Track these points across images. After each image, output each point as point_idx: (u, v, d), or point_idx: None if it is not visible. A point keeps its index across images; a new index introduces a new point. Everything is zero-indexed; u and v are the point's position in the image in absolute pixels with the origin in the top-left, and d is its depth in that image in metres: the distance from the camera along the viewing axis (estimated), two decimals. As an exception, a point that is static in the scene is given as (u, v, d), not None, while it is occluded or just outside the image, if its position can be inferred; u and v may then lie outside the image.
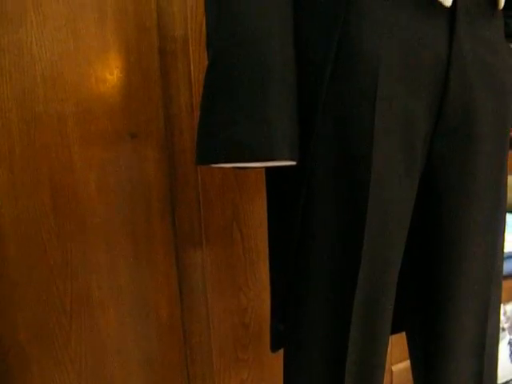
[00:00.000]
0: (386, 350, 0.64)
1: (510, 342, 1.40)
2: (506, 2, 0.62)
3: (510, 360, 1.40)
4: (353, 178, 0.54)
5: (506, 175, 0.66)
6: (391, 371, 1.31)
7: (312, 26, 0.56)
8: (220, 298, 1.04)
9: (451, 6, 0.56)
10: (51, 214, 0.87)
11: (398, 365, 1.31)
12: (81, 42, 0.84)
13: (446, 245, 0.61)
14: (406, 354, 0.81)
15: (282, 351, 0.73)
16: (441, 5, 0.55)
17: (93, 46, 0.85)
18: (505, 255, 1.00)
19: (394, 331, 0.74)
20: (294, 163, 0.54)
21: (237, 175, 1.00)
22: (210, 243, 0.99)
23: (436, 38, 0.56)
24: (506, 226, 0.75)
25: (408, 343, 0.75)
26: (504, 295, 1.08)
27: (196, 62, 0.91)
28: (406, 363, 1.27)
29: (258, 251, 1.04)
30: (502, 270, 0.73)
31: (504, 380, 1.38)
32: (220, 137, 0.52)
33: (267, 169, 0.66)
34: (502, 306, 1.25)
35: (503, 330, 1.35)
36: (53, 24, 0.82)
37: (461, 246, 0.61)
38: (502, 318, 1.34)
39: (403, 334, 0.79)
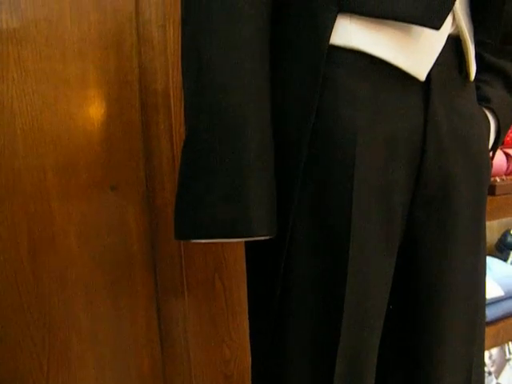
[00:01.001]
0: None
1: (496, 387, 1.40)
2: (476, 68, 0.64)
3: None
4: (331, 252, 0.55)
5: (485, 238, 0.67)
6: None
7: (288, 101, 0.57)
8: (202, 350, 1.02)
9: (425, 79, 0.58)
10: (29, 267, 0.85)
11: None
12: (62, 96, 0.85)
13: (427, 312, 0.61)
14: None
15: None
16: (415, 78, 0.57)
17: (74, 99, 0.86)
18: (487, 301, 1.01)
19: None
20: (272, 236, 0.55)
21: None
22: (192, 295, 0.97)
23: (411, 110, 0.58)
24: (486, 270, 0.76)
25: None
26: (488, 341, 1.08)
27: (177, 116, 0.92)
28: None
29: (240, 302, 1.03)
30: (484, 324, 0.73)
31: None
32: (197, 215, 0.52)
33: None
34: (486, 351, 1.24)
35: (489, 373, 1.35)
36: (34, 79, 0.83)
37: (442, 312, 0.61)
38: (488, 361, 1.34)
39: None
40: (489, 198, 0.74)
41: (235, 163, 0.51)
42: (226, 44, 0.52)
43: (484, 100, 0.71)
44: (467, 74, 0.63)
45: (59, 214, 0.87)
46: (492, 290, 1.10)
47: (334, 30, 0.55)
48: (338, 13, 0.55)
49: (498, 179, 1.13)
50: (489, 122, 0.70)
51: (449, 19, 0.56)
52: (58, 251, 0.87)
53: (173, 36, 0.91)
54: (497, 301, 1.14)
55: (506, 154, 1.14)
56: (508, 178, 1.16)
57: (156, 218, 0.93)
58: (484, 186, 0.65)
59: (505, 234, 1.47)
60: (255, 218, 0.51)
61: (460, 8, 0.58)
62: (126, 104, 0.89)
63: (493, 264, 1.23)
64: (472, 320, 0.65)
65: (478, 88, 0.71)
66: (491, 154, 0.73)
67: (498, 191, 1.08)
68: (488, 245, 1.49)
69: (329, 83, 0.55)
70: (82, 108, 0.86)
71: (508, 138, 1.16)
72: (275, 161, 0.55)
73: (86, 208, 0.88)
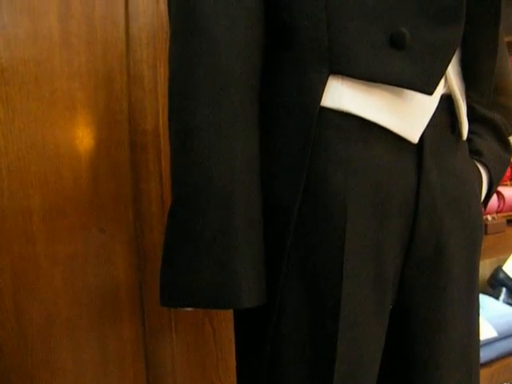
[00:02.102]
0: None
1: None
2: (468, 118, 0.64)
3: None
4: (321, 318, 0.54)
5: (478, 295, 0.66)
6: None
7: (278, 165, 0.56)
8: (191, 393, 0.99)
9: (418, 141, 0.57)
10: (12, 309, 0.83)
11: None
12: (49, 136, 0.84)
13: (421, 375, 0.60)
14: None
15: None
16: (408, 141, 0.57)
17: (62, 140, 0.85)
18: (480, 343, 1.00)
19: None
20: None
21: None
22: (181, 338, 0.95)
23: (404, 173, 0.57)
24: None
25: None
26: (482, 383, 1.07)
27: (167, 156, 0.91)
28: None
29: (230, 345, 1.01)
30: (478, 373, 0.72)
31: None
32: (184, 284, 0.51)
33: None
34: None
35: (483, 412, 1.33)
36: (21, 119, 0.82)
37: (436, 374, 0.60)
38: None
39: None
40: None
41: (223, 234, 0.50)
42: (213, 113, 0.51)
43: (476, 153, 0.72)
44: (459, 133, 0.63)
45: (45, 256, 0.85)
46: (485, 331, 1.09)
47: (325, 92, 0.54)
48: (329, 74, 0.54)
49: (489, 217, 1.13)
50: (481, 175, 0.70)
51: (441, 81, 0.56)
52: (42, 294, 0.84)
53: (163, 76, 0.91)
54: (490, 342, 1.13)
55: (497, 193, 1.14)
56: (499, 215, 1.16)
57: (144, 261, 0.91)
58: (477, 245, 0.64)
59: (497, 270, 1.47)
60: (244, 289, 0.50)
61: (451, 68, 0.58)
62: (115, 144, 0.88)
63: (485, 303, 1.22)
64: (467, 373, 0.64)
65: (469, 140, 0.71)
66: (483, 206, 0.73)
67: (489, 230, 1.09)
68: (480, 280, 1.49)
69: (319, 146, 0.54)
70: (70, 148, 0.85)
71: (498, 176, 1.17)
72: (264, 225, 0.55)
73: (73, 250, 0.86)
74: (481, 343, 1.08)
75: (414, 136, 0.57)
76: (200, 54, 0.51)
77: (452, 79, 0.59)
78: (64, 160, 0.85)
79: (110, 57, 0.88)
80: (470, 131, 0.69)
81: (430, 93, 0.54)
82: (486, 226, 1.08)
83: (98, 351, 0.89)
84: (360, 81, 0.54)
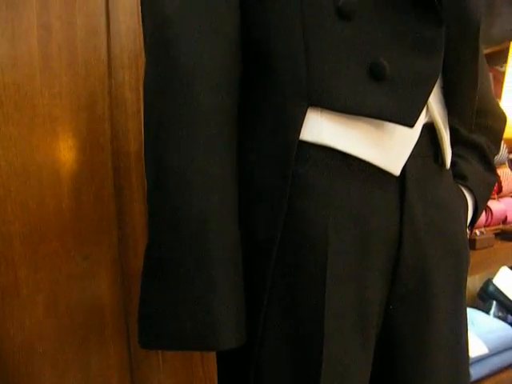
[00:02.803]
0: None
1: None
2: (452, 141, 0.64)
3: None
4: (304, 355, 0.52)
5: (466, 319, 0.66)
6: None
7: (256, 201, 0.55)
8: (179, 419, 0.97)
9: (400, 173, 0.56)
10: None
11: None
12: (30, 161, 0.82)
13: None
14: None
15: None
16: (390, 173, 0.56)
17: (43, 164, 0.83)
18: (471, 360, 1.00)
19: None
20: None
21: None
22: (168, 365, 0.94)
23: (386, 206, 0.56)
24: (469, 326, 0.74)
25: None
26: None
27: (151, 179, 0.90)
28: None
29: (219, 369, 0.99)
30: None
31: None
32: (162, 326, 0.50)
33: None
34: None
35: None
36: (1, 145, 0.81)
37: None
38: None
39: None
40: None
41: (200, 275, 0.49)
42: (187, 150, 0.50)
43: (461, 178, 0.71)
44: (443, 162, 0.63)
45: (26, 284, 0.83)
46: (476, 348, 1.09)
47: (304, 126, 0.53)
48: (307, 107, 0.53)
49: (477, 232, 1.13)
50: (466, 200, 0.70)
51: (423, 110, 0.55)
52: (24, 323, 0.82)
53: (146, 98, 0.90)
54: (481, 359, 1.12)
55: (485, 207, 1.14)
56: (487, 229, 1.16)
57: (129, 286, 0.90)
58: (463, 274, 0.64)
59: (487, 283, 1.47)
60: (223, 331, 0.49)
61: (433, 96, 0.57)
62: (98, 168, 0.87)
63: (475, 318, 1.22)
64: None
65: (454, 164, 0.70)
66: (469, 230, 0.72)
67: (478, 245, 1.08)
68: (470, 294, 1.49)
69: (299, 181, 0.53)
70: (51, 173, 0.84)
71: (486, 190, 1.17)
72: (244, 261, 0.53)
73: (56, 276, 0.85)
74: (472, 360, 1.08)
75: (395, 168, 0.56)
76: (173, 90, 0.50)
77: (434, 108, 0.58)
78: (45, 185, 0.84)
79: (92, 79, 0.87)
80: (454, 154, 0.69)
81: (411, 125, 0.53)
82: (474, 240, 1.08)
83: (82, 379, 0.87)
84: (339, 113, 0.53)
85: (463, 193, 0.70)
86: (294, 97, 0.53)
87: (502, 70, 2.11)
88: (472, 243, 1.06)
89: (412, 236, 0.57)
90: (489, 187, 0.76)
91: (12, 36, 0.82)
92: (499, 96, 1.90)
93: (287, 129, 0.53)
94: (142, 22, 0.56)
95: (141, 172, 0.89)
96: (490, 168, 0.76)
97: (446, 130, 0.61)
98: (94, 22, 0.87)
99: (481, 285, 1.51)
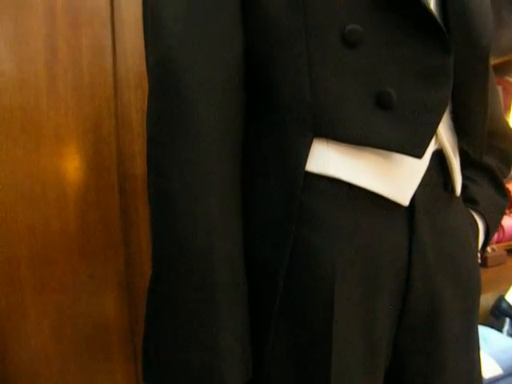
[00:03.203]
0: None
1: None
2: (462, 163, 0.63)
3: None
4: None
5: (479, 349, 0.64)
6: None
7: (262, 232, 0.54)
8: None
9: (409, 202, 0.55)
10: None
11: None
12: (36, 184, 0.83)
13: None
14: None
15: None
16: (398, 203, 0.54)
17: (49, 186, 0.84)
18: (484, 381, 0.98)
19: None
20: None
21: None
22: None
23: (395, 236, 0.55)
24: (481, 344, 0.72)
25: None
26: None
27: (157, 200, 0.90)
28: None
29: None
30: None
31: None
32: (166, 363, 0.50)
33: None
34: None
35: None
36: (8, 168, 0.81)
37: None
38: None
39: None
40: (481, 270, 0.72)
41: (206, 315, 0.48)
42: (190, 184, 0.49)
43: (472, 202, 0.70)
44: (453, 190, 0.61)
45: (33, 307, 0.83)
46: (489, 369, 1.06)
47: (309, 156, 0.52)
48: (313, 138, 0.52)
49: (489, 249, 1.11)
50: (477, 225, 0.68)
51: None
52: (30, 347, 0.82)
53: (152, 118, 0.91)
54: (495, 380, 1.09)
55: (496, 223, 1.13)
56: (499, 246, 1.14)
57: (135, 307, 0.89)
58: (474, 302, 0.62)
59: (499, 300, 1.45)
60: (228, 369, 0.48)
61: (442, 122, 0.55)
62: (104, 190, 0.87)
63: (488, 336, 1.19)
64: None
65: (465, 187, 0.69)
66: (480, 254, 0.71)
67: (489, 262, 1.07)
68: (482, 311, 1.47)
69: (305, 213, 0.52)
70: (58, 195, 0.84)
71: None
72: (249, 293, 0.53)
73: (62, 298, 0.84)
74: (485, 382, 1.05)
75: (404, 199, 0.54)
76: (176, 124, 0.50)
77: (443, 135, 0.57)
78: (52, 207, 0.84)
79: (98, 101, 0.88)
80: (465, 177, 0.67)
81: (420, 156, 0.52)
82: (485, 258, 1.06)
83: (89, 401, 0.87)
84: (346, 144, 0.52)
85: (474, 218, 0.68)
86: (299, 127, 0.52)
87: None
88: (483, 261, 1.04)
89: (421, 266, 0.55)
90: (500, 211, 0.74)
91: (19, 59, 0.82)
92: (509, 106, 1.89)
93: (292, 160, 0.52)
94: (145, 49, 0.56)
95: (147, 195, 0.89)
96: (502, 191, 0.74)
97: (455, 156, 0.60)
98: (100, 43, 0.88)
99: (493, 301, 1.49)
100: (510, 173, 0.77)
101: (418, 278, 0.55)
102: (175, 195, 0.50)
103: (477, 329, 0.64)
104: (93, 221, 0.86)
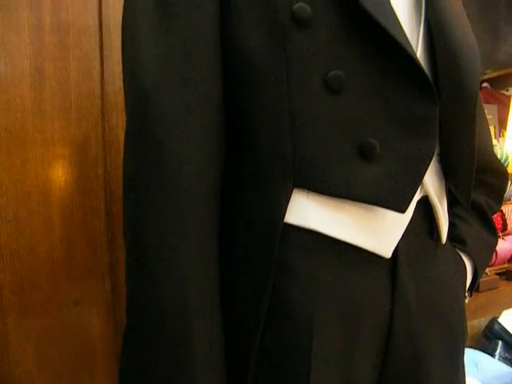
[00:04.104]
0: None
1: None
2: (451, 200, 0.62)
3: None
4: None
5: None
6: None
7: (239, 288, 0.53)
8: None
9: (392, 253, 0.53)
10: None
11: None
12: (22, 208, 0.82)
13: None
14: None
15: None
16: (380, 256, 0.53)
17: (34, 211, 0.83)
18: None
19: None
20: None
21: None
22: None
23: (377, 288, 0.53)
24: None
25: None
26: None
27: (144, 225, 0.89)
28: None
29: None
30: None
31: None
32: None
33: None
34: None
35: None
36: (-8, 191, 0.80)
37: None
38: None
39: None
40: (473, 295, 0.71)
41: (181, 376, 0.47)
42: (166, 227, 0.48)
43: (459, 242, 0.68)
44: (438, 238, 0.59)
45: (16, 333, 0.82)
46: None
47: (289, 208, 0.50)
48: (293, 188, 0.50)
49: (481, 273, 1.11)
50: (465, 265, 0.67)
51: None
52: (13, 374, 0.81)
53: (141, 141, 0.90)
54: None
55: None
56: (491, 269, 1.14)
57: (122, 332, 0.88)
58: (460, 350, 0.61)
59: (492, 322, 1.44)
60: None
61: (428, 170, 0.52)
62: (91, 212, 0.86)
63: (480, 361, 1.18)
64: None
65: (453, 225, 0.68)
66: (468, 294, 0.70)
67: (481, 287, 1.06)
68: (474, 333, 1.46)
69: (283, 266, 0.50)
70: (43, 219, 0.83)
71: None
72: (226, 349, 0.51)
73: (47, 324, 0.84)
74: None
75: (387, 251, 0.53)
76: (150, 169, 0.49)
77: (428, 182, 0.55)
78: (37, 231, 0.83)
79: (85, 123, 0.87)
80: (453, 214, 0.67)
81: (403, 211, 0.50)
82: (478, 283, 1.05)
83: (73, 429, 0.86)
84: (327, 195, 0.50)
85: (462, 259, 0.67)
86: (278, 177, 0.51)
87: (508, 93, 2.10)
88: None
89: (403, 317, 0.54)
90: (489, 250, 0.73)
91: (5, 80, 0.82)
92: (506, 120, 1.89)
93: (272, 211, 0.51)
94: (124, 84, 0.54)
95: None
96: (491, 228, 0.73)
97: (441, 203, 0.58)
98: (88, 65, 0.87)
99: (486, 323, 1.48)
100: (499, 208, 0.76)
101: (399, 328, 0.53)
102: (148, 243, 0.48)
103: (463, 377, 0.62)
104: (79, 244, 0.86)
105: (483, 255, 0.70)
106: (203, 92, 0.50)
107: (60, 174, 0.85)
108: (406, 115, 0.50)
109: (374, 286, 0.53)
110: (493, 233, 0.73)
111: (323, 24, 0.49)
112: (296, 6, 0.48)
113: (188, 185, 0.49)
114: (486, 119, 0.75)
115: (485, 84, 2.07)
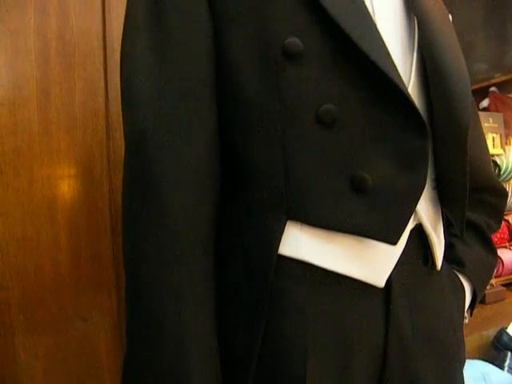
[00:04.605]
0: None
1: None
2: (450, 221, 0.62)
3: None
4: None
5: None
6: None
7: (234, 318, 0.54)
8: None
9: (385, 282, 0.54)
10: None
11: None
12: (29, 226, 0.84)
13: None
14: None
15: None
16: (374, 286, 0.53)
17: (42, 229, 0.85)
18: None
19: None
20: None
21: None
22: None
23: (370, 317, 0.53)
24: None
25: None
26: None
27: (149, 242, 0.91)
28: None
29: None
30: None
31: None
32: None
33: None
34: None
35: None
36: (1, 211, 0.83)
37: None
38: None
39: None
40: (479, 307, 0.72)
41: None
42: (160, 264, 0.50)
43: (457, 263, 0.68)
44: (433, 264, 0.60)
45: (24, 350, 0.84)
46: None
47: (282, 240, 0.51)
48: (286, 221, 0.51)
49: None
50: (463, 287, 0.67)
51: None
52: (22, 390, 0.83)
53: (145, 159, 0.92)
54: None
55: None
56: (498, 280, 1.13)
57: (128, 349, 0.90)
58: (456, 376, 0.61)
59: (500, 332, 1.43)
60: None
61: (422, 197, 0.53)
62: (96, 231, 0.88)
63: (488, 373, 1.17)
64: None
65: (451, 246, 0.68)
66: (468, 313, 0.70)
67: (488, 299, 1.06)
68: (483, 343, 1.45)
69: (277, 296, 0.51)
70: (50, 238, 0.85)
71: (496, 239, 1.14)
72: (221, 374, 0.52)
73: (54, 341, 0.85)
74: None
75: (380, 281, 0.53)
76: (147, 205, 0.50)
77: (422, 210, 0.56)
78: (44, 250, 0.85)
79: (90, 142, 0.89)
80: (452, 235, 0.67)
81: (395, 243, 0.51)
82: (484, 295, 1.05)
83: None
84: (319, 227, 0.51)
85: (460, 280, 0.67)
86: (272, 209, 0.52)
87: (516, 98, 2.09)
88: (481, 298, 1.04)
89: (398, 345, 0.54)
90: (489, 270, 0.73)
91: (13, 104, 0.84)
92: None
93: (265, 242, 0.52)
94: (122, 116, 0.55)
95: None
96: (490, 248, 0.73)
97: (436, 230, 0.59)
98: (93, 86, 0.90)
99: (494, 334, 1.47)
100: (499, 228, 0.76)
101: (394, 356, 0.54)
102: (145, 277, 0.50)
103: None
104: (85, 263, 0.88)
105: (482, 276, 0.70)
106: (199, 131, 0.52)
107: (66, 193, 0.87)
108: (398, 149, 0.51)
109: (367, 315, 0.53)
110: (492, 253, 0.73)
111: (315, 58, 0.50)
112: (288, 40, 0.49)
113: (182, 217, 0.50)
114: (484, 138, 0.75)
115: (493, 88, 2.07)
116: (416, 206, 0.51)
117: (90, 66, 0.90)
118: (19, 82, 0.85)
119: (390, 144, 0.51)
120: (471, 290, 0.68)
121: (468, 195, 0.59)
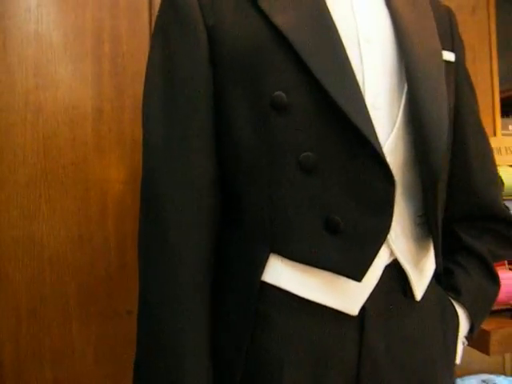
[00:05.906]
0: None
1: None
2: (452, 247, 0.68)
3: None
4: None
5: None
6: None
7: (225, 336, 0.61)
8: None
9: (360, 310, 0.59)
10: (51, 375, 0.96)
11: None
12: (84, 230, 0.98)
13: None
14: None
15: None
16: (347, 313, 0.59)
17: (95, 232, 0.98)
18: None
19: None
20: None
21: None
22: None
23: (344, 342, 0.58)
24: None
25: None
26: None
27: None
28: None
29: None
30: None
31: None
32: None
33: None
34: None
35: None
36: (61, 216, 0.96)
37: None
38: None
39: None
40: None
41: None
42: (166, 289, 0.59)
43: (454, 291, 0.71)
44: (413, 296, 0.63)
45: (79, 336, 0.98)
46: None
47: (266, 269, 0.58)
48: (270, 253, 0.58)
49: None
50: (457, 313, 0.69)
51: (385, 252, 0.59)
52: (76, 370, 0.98)
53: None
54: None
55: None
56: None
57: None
58: None
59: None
60: None
61: (403, 235, 0.60)
62: (142, 235, 1.00)
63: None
64: None
65: (451, 273, 0.72)
66: (466, 340, 0.72)
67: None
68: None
69: (260, 318, 0.58)
70: (102, 241, 0.98)
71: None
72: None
73: (103, 331, 0.99)
74: None
75: (353, 309, 0.58)
76: (155, 242, 0.60)
77: (398, 248, 0.61)
78: (97, 251, 0.98)
79: (138, 155, 1.01)
80: (453, 262, 0.72)
81: (359, 280, 0.56)
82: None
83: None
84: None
85: (454, 308, 0.69)
86: (259, 242, 0.59)
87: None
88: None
89: (370, 368, 0.59)
90: (488, 299, 0.75)
91: (71, 122, 0.97)
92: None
93: (251, 270, 0.59)
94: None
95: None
96: (493, 278, 0.74)
97: (418, 265, 0.63)
98: (141, 102, 1.00)
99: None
100: (508, 255, 0.79)
101: (366, 381, 0.59)
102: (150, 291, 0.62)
103: None
104: (131, 260, 1.00)
105: (480, 305, 0.72)
106: (201, 172, 0.61)
107: (115, 200, 0.99)
108: (368, 195, 0.57)
109: (340, 338, 0.59)
110: (494, 282, 0.75)
111: (299, 111, 0.57)
112: (275, 93, 0.57)
113: (186, 255, 0.60)
114: (491, 156, 0.77)
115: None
116: (379, 248, 0.57)
117: (137, 84, 1.01)
118: (78, 103, 0.97)
119: (362, 191, 0.57)
120: (467, 317, 0.71)
121: (471, 224, 0.66)
